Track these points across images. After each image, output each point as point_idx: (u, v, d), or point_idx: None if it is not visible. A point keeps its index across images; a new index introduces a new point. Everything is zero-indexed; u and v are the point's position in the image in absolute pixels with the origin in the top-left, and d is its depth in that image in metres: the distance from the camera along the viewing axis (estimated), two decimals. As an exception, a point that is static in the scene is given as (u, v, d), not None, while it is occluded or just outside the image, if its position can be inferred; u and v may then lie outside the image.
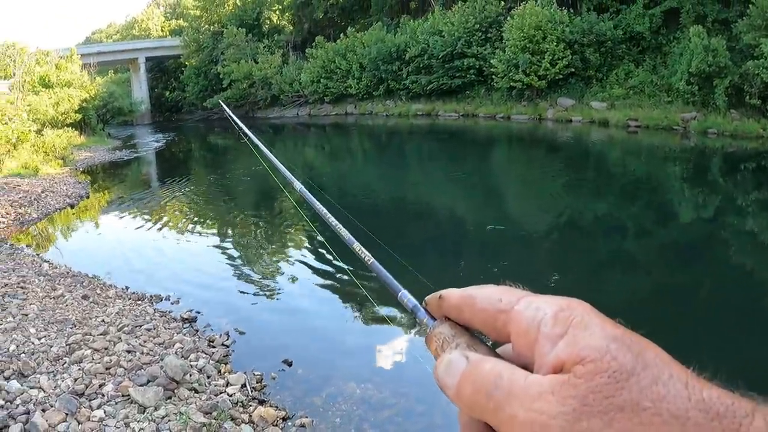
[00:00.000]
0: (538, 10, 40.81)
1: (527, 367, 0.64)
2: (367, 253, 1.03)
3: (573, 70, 40.47)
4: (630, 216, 16.98)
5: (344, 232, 1.17)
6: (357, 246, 1.08)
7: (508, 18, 43.20)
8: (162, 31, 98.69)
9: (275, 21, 74.47)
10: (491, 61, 43.44)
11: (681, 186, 21.36)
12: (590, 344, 0.59)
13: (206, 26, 76.57)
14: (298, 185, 1.91)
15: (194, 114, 78.55)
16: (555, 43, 40.05)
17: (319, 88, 60.49)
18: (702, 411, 0.54)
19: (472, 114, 45.61)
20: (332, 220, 1.28)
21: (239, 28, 70.50)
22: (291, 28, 72.28)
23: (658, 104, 35.45)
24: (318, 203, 1.49)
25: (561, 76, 40.66)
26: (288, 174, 2.06)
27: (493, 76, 43.95)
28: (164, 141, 51.12)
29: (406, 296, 0.84)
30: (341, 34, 60.89)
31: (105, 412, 6.58)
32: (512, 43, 40.98)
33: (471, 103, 47.18)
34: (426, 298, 0.80)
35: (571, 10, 42.45)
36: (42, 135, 33.91)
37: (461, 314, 0.74)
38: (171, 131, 60.65)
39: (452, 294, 0.75)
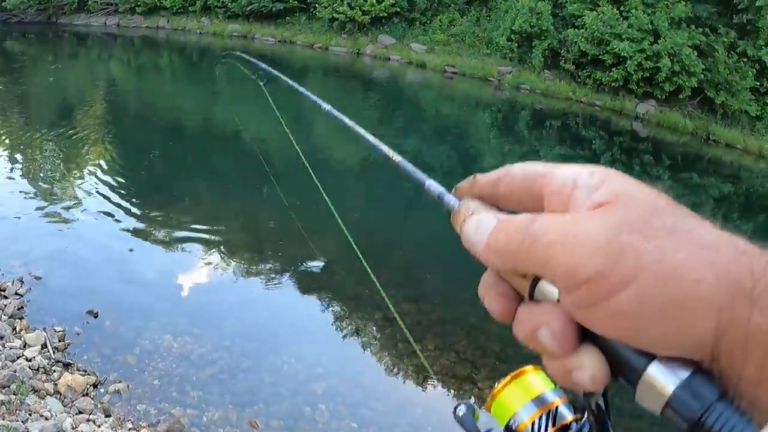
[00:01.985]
0: (367, -57, 39.95)
1: None
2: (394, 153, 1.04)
3: (398, 9, 40.01)
4: (435, 157, 16.92)
5: (385, 148, 1.12)
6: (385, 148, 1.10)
7: (337, -52, 42.14)
8: None
9: None
10: (316, -10, 42.40)
11: (488, 134, 21.61)
12: (629, 188, 0.63)
13: None
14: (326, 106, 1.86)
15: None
16: (384, -20, 39.45)
17: (132, -4, 57.44)
18: (731, 245, 0.60)
19: (289, 41, 44.53)
20: (371, 138, 1.22)
21: None
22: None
23: (476, 55, 35.98)
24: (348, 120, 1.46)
25: (385, 15, 40.08)
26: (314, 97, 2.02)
27: (316, 5, 42.85)
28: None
29: (432, 185, 0.88)
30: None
31: None
32: (340, -26, 40.21)
33: (290, 30, 45.84)
34: (456, 185, 0.84)
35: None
36: None
37: (496, 188, 0.77)
38: (-39, 33, 56.09)
39: (486, 174, 0.78)
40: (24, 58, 41.17)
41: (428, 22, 40.34)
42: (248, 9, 47.82)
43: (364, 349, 7.17)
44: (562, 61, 31.41)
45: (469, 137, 20.57)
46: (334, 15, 41.24)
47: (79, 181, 13.38)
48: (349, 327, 7.55)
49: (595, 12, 29.36)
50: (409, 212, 12.77)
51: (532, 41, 32.56)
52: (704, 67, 27.15)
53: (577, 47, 30.02)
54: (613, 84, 28.70)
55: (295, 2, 45.52)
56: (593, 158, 19.12)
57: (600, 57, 28.94)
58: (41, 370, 6.22)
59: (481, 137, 21.05)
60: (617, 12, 28.79)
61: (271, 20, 47.50)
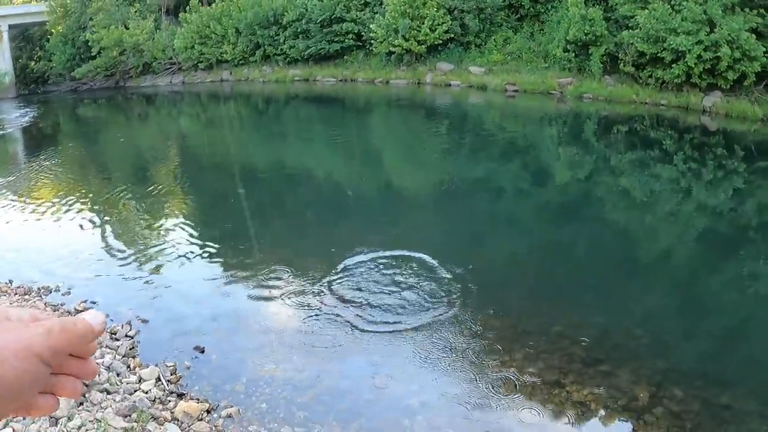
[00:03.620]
0: (418, -25, 40.42)
1: None
2: None
3: (452, 35, 40.44)
4: (509, 177, 17.19)
5: None
6: None
7: (388, -17, 42.69)
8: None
9: (146, -16, 71.99)
10: (370, 26, 42.97)
11: (557, 148, 21.69)
12: None
13: (73, -10, 73.37)
14: None
15: (61, 85, 75.16)
16: (435, 9, 39.82)
17: (193, 54, 58.81)
18: None
19: (350, 79, 45.21)
20: None
21: (108, -8, 67.86)
22: (162, -8, 69.98)
23: (535, 70, 35.81)
24: None
25: (440, 42, 40.52)
26: None
27: (372, 41, 43.52)
28: (31, 115, 48.82)
29: None
30: (215, -2, 59.36)
31: (14, 430, 5.86)
32: (392, 8, 40.63)
33: (349, 68, 46.62)
34: None
35: (451, -23, 42.24)
36: None
37: None
38: (38, 104, 58.16)
39: None
40: (97, 122, 42.68)
41: (483, 43, 40.55)
42: (306, 53, 48.78)
43: (454, 363, 7.43)
44: (621, 64, 30.82)
45: (538, 154, 20.65)
46: (390, 49, 41.79)
47: (164, 232, 14.14)
48: (439, 343, 7.84)
49: (646, 10, 28.80)
50: (485, 228, 13.04)
51: (588, 48, 32.24)
52: (765, 49, 26.21)
53: (634, 48, 29.47)
54: (675, 80, 27.94)
55: (351, 41, 46.33)
56: (665, 159, 19.00)
57: (658, 55, 28.25)
58: (157, 400, 6.73)
59: (550, 152, 21.08)
60: (669, 7, 28.12)
61: (329, 61, 48.34)
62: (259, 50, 53.35)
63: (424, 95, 36.94)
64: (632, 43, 29.52)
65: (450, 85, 38.12)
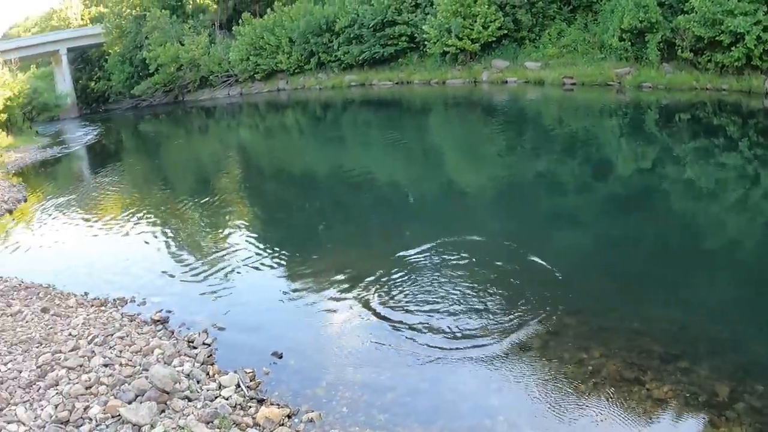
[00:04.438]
0: (468, -27, 40.32)
1: None
2: None
3: (506, 32, 40.33)
4: (571, 172, 17.11)
5: None
6: None
7: (438, -17, 42.67)
8: (82, 19, 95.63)
9: (198, 1, 72.72)
10: (423, 27, 43.08)
11: (619, 140, 21.49)
12: None
13: (128, 11, 74.32)
14: None
15: (122, 103, 76.68)
16: (486, 6, 39.73)
17: (249, 66, 59.53)
18: None
19: (406, 81, 45.41)
20: None
21: (162, 10, 68.75)
22: (215, 6, 70.68)
23: (591, 61, 35.50)
24: None
25: (494, 39, 40.48)
26: None
27: (426, 42, 43.60)
28: (94, 134, 49.88)
29: None
30: (268, 10, 59.87)
31: None
32: (443, 8, 40.64)
33: (405, 71, 46.84)
34: None
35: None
36: (-35, 140, 32.74)
37: None
38: (100, 123, 59.32)
39: None
40: (158, 137, 43.47)
41: (537, 38, 40.41)
42: (360, 58, 49.09)
43: (532, 362, 7.44)
44: (679, 50, 30.18)
45: (600, 147, 20.49)
46: (444, 49, 41.87)
47: (230, 241, 14.36)
48: (515, 342, 7.88)
49: (701, -8, 27.81)
50: (551, 224, 13.04)
51: (644, 36, 31.65)
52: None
53: (691, 33, 28.77)
54: (735, 64, 27.13)
55: (405, 43, 46.48)
56: (730, 146, 18.74)
57: (716, 38, 27.42)
58: (238, 406, 6.87)
59: (612, 145, 20.89)
60: (724, -13, 27.10)
61: (384, 65, 48.57)
62: (314, 58, 53.84)
63: (481, 93, 36.84)
64: (688, 28, 28.94)
65: (506, 82, 38.02)
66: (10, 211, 21.21)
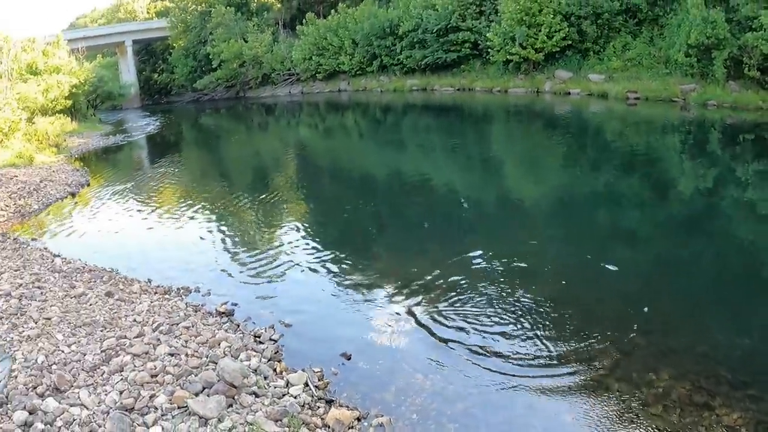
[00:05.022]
0: (534, -18, 40.08)
1: None
2: None
3: (570, 42, 40.04)
4: (630, 188, 16.85)
5: None
6: None
7: (503, -9, 42.46)
8: (148, 13, 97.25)
9: (263, -1, 73.51)
10: (486, 35, 42.97)
11: (681, 158, 21.12)
12: None
13: (193, 6, 75.42)
14: None
15: (184, 96, 77.83)
16: (551, 16, 39.57)
17: (311, 65, 60.00)
18: None
19: (468, 88, 45.25)
20: None
21: (227, 7, 69.60)
22: (279, 5, 71.29)
23: (656, 76, 34.94)
24: None
25: (558, 49, 40.23)
26: None
27: (489, 50, 43.47)
28: (155, 124, 50.70)
29: None
30: (332, 11, 60.28)
31: (163, 429, 6.07)
32: (508, 16, 40.54)
33: (467, 77, 46.72)
34: None
35: (567, -18, 41.72)
36: (33, 123, 33.44)
37: None
38: (161, 114, 60.24)
39: None
40: (218, 130, 43.91)
41: (602, 50, 39.88)
42: (423, 63, 49.11)
43: (603, 381, 7.29)
44: (746, 68, 29.39)
45: (661, 164, 20.12)
46: (507, 57, 41.65)
47: (289, 238, 14.29)
48: (584, 359, 7.74)
49: (770, 9, 26.99)
50: (610, 242, 12.84)
51: (710, 53, 30.92)
52: None
53: (759, 51, 28.17)
54: None
55: (468, 50, 46.38)
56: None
57: None
58: (306, 405, 6.75)
59: (673, 162, 20.52)
60: (795, 5, 26.12)
61: (446, 70, 48.54)
62: (376, 60, 54.05)
63: (543, 104, 36.55)
64: (756, 46, 28.32)
65: (569, 93, 37.65)
66: (73, 194, 21.60)
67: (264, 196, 19.11)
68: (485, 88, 43.58)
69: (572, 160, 21.39)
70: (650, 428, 6.41)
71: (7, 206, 18.73)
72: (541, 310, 9.22)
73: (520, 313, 9.13)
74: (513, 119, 34.20)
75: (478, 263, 11.38)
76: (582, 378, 7.33)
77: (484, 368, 7.64)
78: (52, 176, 23.46)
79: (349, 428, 6.41)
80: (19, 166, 24.80)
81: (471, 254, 11.85)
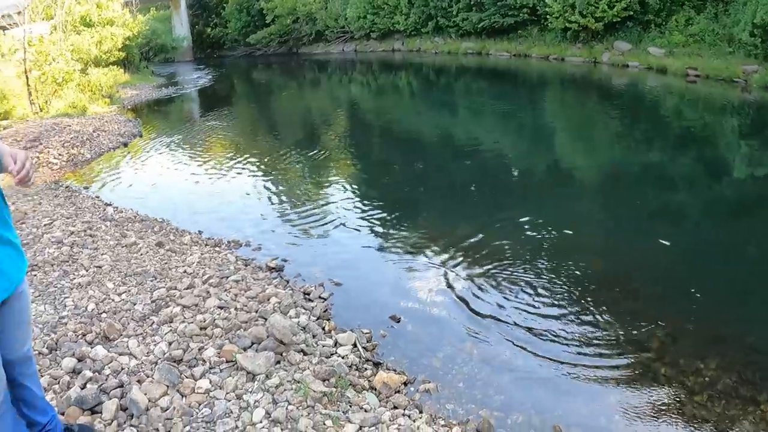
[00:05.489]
0: (597, -52, 39.15)
1: None
2: None
3: (631, 13, 38.90)
4: (684, 167, 16.42)
5: None
6: None
7: (565, -44, 41.59)
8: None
9: (318, -45, 73.08)
10: (546, 0, 42.12)
11: (739, 141, 20.56)
12: None
13: (248, -40, 75.38)
14: None
15: (236, 50, 77.97)
16: (614, -16, 38.61)
17: (366, 24, 59.56)
18: None
19: (524, 54, 44.47)
20: None
21: (282, -39, 69.35)
22: (336, -38, 70.90)
23: (719, 54, 33.65)
24: None
25: (618, 19, 39.07)
26: None
27: (547, 16, 42.56)
28: (207, 78, 50.91)
29: None
30: (388, -31, 59.73)
31: (211, 382, 6.05)
32: (569, -17, 39.73)
33: (523, 43, 45.87)
34: None
35: (631, -50, 40.73)
36: (87, 74, 33.75)
37: None
38: (213, 68, 60.48)
39: None
40: (269, 86, 44.00)
41: (663, 23, 38.80)
42: (480, 26, 48.41)
43: (650, 364, 7.12)
44: None
45: (717, 145, 19.59)
46: (566, 24, 40.79)
47: (339, 196, 14.25)
48: (634, 341, 7.57)
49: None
50: (658, 223, 12.51)
51: None
52: None
53: None
54: None
55: (526, 15, 45.54)
56: None
57: None
58: (354, 367, 6.72)
59: (729, 145, 19.97)
60: None
61: (503, 35, 47.79)
62: (432, 21, 53.43)
63: (599, 75, 35.84)
64: (825, 29, 27.11)
65: (627, 66, 36.73)
66: (126, 144, 21.77)
67: (313, 153, 19.09)
68: (541, 56, 42.83)
69: (626, 133, 20.96)
70: (694, 417, 6.28)
71: (60, 155, 18.90)
72: (589, 286, 9.05)
73: (567, 288, 8.97)
74: (568, 88, 33.63)
75: (526, 233, 11.22)
76: (628, 360, 7.19)
77: (529, 342, 7.55)
78: (105, 126, 23.61)
79: (395, 392, 6.37)
80: (73, 115, 25.01)
81: (518, 223, 11.72)
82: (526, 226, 11.50)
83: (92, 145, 20.50)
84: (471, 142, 19.70)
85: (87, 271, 9.12)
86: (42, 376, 6.03)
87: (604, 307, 8.34)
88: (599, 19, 39.08)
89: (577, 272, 9.45)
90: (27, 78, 26.92)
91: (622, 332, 7.70)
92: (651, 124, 22.55)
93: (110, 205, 13.86)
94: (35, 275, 8.90)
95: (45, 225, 11.63)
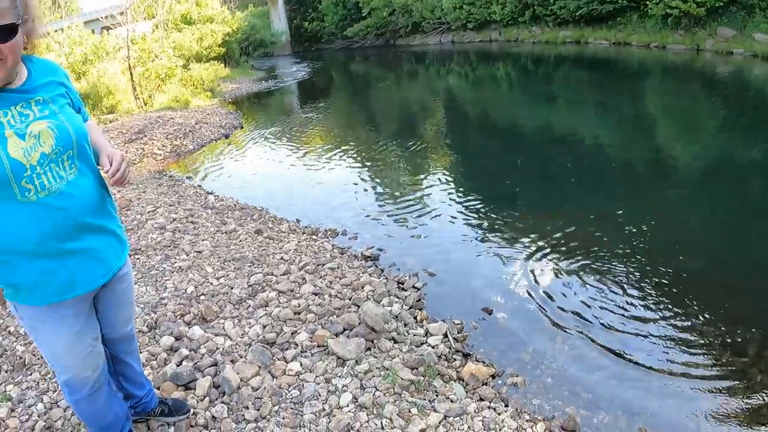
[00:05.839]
0: (698, -70, 38.03)
1: None
2: None
3: (734, -4, 37.84)
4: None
5: None
6: None
7: (665, -61, 40.52)
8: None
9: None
10: (645, -14, 41.18)
11: None
12: None
13: (345, -46, 75.97)
14: None
15: (333, 44, 78.82)
16: (717, -33, 37.46)
17: (462, 14, 59.28)
18: None
19: (624, 42, 43.36)
20: None
21: (379, -45, 69.62)
22: (432, -47, 70.80)
23: None
24: None
25: (721, 4, 37.77)
26: None
27: (647, 2, 41.52)
28: (305, 71, 51.56)
29: None
30: (485, -42, 59.29)
31: (301, 365, 6.18)
32: (669, -33, 38.72)
33: (623, 31, 44.74)
34: None
35: (735, -69, 39.45)
36: (188, 69, 34.70)
37: None
38: (311, 61, 61.23)
39: None
40: (367, 77, 44.27)
41: (769, 7, 37.68)
42: (577, 14, 47.59)
43: (746, 370, 7.02)
44: None
45: None
46: (666, 10, 39.75)
47: (434, 188, 14.19)
48: (728, 345, 7.35)
49: None
50: (755, 220, 12.14)
51: None
52: None
53: None
54: None
55: (625, 1, 44.52)
56: None
57: None
58: (443, 357, 6.70)
59: None
60: None
61: (601, 23, 46.87)
62: (529, 10, 52.78)
63: (702, 63, 34.78)
64: None
65: (731, 53, 35.40)
66: (227, 136, 22.27)
67: (410, 144, 19.07)
68: (642, 44, 41.74)
69: (730, 125, 20.33)
70: (742, 416, 6.08)
71: (164, 146, 19.50)
72: (684, 287, 8.76)
73: (661, 287, 8.72)
74: (669, 77, 32.76)
75: (623, 227, 10.97)
76: (722, 365, 6.94)
77: (620, 342, 7.36)
78: (207, 119, 24.21)
79: (482, 384, 6.34)
80: (176, 109, 25.82)
81: (615, 216, 11.49)
82: (622, 221, 11.27)
83: (195, 137, 21.07)
84: (570, 133, 19.42)
85: (187, 255, 9.46)
86: (141, 352, 6.30)
87: (699, 310, 8.10)
88: (701, 4, 37.88)
89: (673, 271, 9.22)
90: (131, 74, 27.85)
91: (717, 336, 7.47)
92: (757, 115, 21.88)
93: (211, 193, 14.27)
94: (138, 258, 9.28)
95: (149, 212, 12.09)
